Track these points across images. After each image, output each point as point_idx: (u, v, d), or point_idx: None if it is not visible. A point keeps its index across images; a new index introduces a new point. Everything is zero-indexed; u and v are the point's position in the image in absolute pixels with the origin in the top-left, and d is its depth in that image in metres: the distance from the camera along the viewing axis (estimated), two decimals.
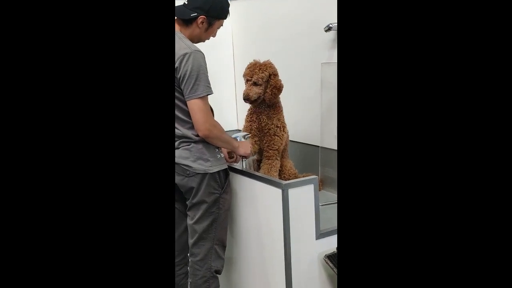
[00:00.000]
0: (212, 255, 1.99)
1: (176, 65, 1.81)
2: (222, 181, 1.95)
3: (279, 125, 2.27)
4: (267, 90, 2.21)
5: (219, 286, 2.05)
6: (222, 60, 3.12)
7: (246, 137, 2.21)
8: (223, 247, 2.04)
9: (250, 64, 2.26)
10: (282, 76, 2.27)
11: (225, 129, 2.01)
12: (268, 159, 2.28)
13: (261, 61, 2.26)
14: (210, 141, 1.91)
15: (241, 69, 2.32)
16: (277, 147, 2.27)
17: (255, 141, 2.28)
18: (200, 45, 1.94)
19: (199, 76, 1.81)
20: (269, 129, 2.26)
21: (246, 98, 2.22)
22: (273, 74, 2.23)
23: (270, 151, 2.27)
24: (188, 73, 1.80)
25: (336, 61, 2.14)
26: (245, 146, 2.12)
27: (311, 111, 2.53)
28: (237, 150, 2.08)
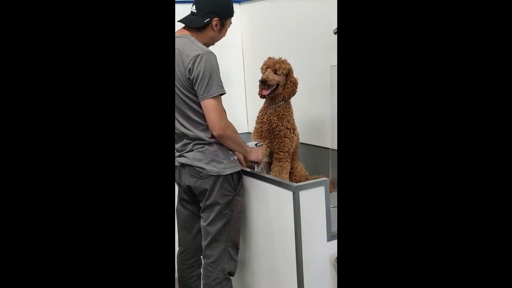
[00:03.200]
0: (225, 257, 2.00)
1: (189, 66, 1.84)
2: (235, 183, 1.97)
3: (289, 127, 2.28)
4: (288, 86, 2.24)
5: None
6: (231, 63, 3.12)
7: (258, 145, 2.22)
8: (236, 249, 2.05)
9: (270, 58, 2.29)
10: None
11: None
12: (279, 161, 2.29)
13: None
14: (223, 142, 1.92)
15: (251, 72, 2.33)
16: (288, 149, 2.28)
17: (266, 144, 2.29)
18: (209, 48, 1.96)
19: (212, 76, 1.84)
20: (280, 131, 2.26)
21: (264, 81, 2.19)
22: (291, 71, 2.26)
23: (280, 153, 2.28)
24: (201, 74, 1.83)
25: None
26: (257, 152, 2.14)
27: (321, 114, 2.54)
28: (249, 155, 2.09)
